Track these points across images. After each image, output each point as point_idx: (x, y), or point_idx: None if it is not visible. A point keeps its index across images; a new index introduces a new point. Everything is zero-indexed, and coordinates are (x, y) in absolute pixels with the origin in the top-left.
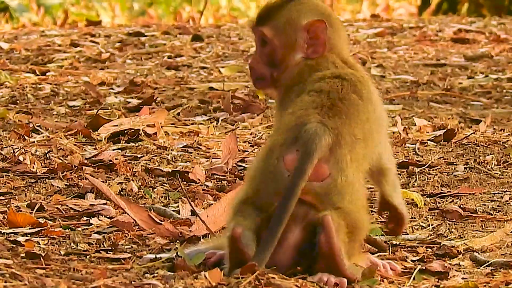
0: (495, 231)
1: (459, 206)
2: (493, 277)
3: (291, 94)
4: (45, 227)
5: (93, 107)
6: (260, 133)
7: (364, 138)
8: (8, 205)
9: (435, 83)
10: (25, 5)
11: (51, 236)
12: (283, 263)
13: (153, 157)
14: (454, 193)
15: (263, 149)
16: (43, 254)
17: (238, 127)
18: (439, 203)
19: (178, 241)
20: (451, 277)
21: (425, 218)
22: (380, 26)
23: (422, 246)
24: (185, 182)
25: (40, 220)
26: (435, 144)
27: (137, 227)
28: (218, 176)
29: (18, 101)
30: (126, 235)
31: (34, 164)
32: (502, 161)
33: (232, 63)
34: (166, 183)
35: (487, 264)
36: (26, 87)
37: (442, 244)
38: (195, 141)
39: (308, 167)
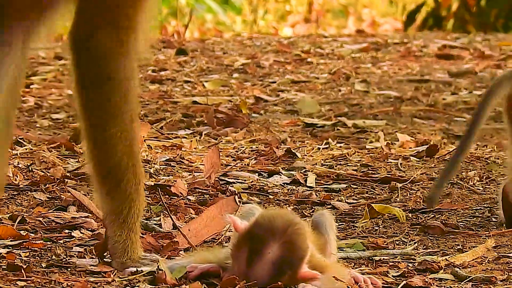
0: (477, 246)
1: (441, 222)
2: None
3: None
4: (27, 239)
5: (76, 120)
6: (243, 147)
7: None
8: None
9: (418, 99)
10: None
11: (33, 248)
12: (263, 278)
13: None
14: (436, 208)
15: None
16: (24, 266)
17: (221, 141)
18: (421, 218)
19: (159, 254)
20: None
21: (406, 234)
22: (365, 42)
23: (403, 261)
24: (167, 196)
25: (21, 232)
26: (418, 159)
27: None
28: (200, 190)
29: None
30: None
31: (17, 176)
32: (484, 177)
33: (216, 77)
34: (148, 197)
35: (468, 279)
36: None
37: (423, 259)
38: (178, 154)
39: None
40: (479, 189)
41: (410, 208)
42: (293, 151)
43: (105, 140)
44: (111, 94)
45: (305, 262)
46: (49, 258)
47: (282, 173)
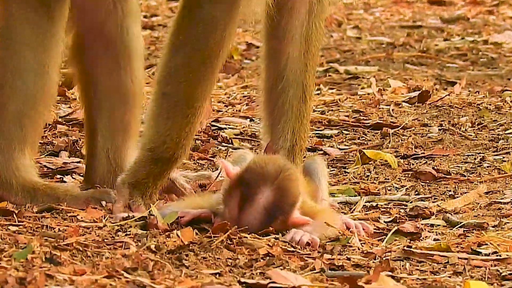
0: (468, 192)
1: (433, 168)
2: (465, 238)
3: None
4: None
5: (68, 66)
6: (235, 93)
7: None
8: None
9: (411, 45)
10: None
11: None
12: (255, 223)
13: None
14: (427, 154)
15: None
16: (16, 211)
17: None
18: (413, 164)
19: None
20: (423, 238)
21: (398, 180)
22: None
23: (395, 207)
24: None
25: None
26: (410, 105)
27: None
28: None
29: None
30: None
31: None
32: (476, 123)
33: None
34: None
35: (459, 225)
36: None
37: (415, 205)
38: None
39: None
40: (471, 135)
41: (402, 154)
42: None
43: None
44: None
45: (296, 208)
46: (41, 203)
47: None
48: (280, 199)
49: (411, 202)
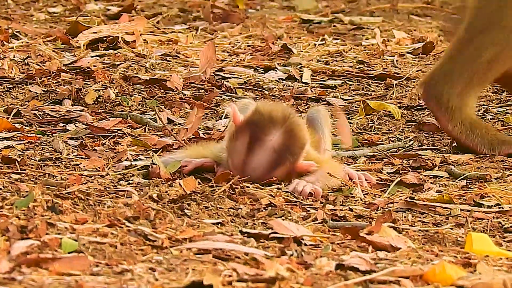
0: None
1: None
2: (468, 190)
3: None
4: (22, 132)
5: (72, 14)
6: (239, 42)
7: None
8: None
9: None
10: None
11: (27, 141)
12: (263, 165)
13: (131, 65)
14: None
15: None
16: (18, 159)
17: (217, 36)
18: (416, 115)
19: (153, 149)
20: (426, 190)
21: (401, 130)
22: None
23: (397, 158)
24: (162, 90)
25: (16, 125)
26: (414, 56)
27: (113, 134)
28: (195, 85)
29: None
30: (103, 142)
31: (12, 69)
32: None
33: None
34: (144, 91)
35: (462, 177)
36: None
37: (418, 156)
38: (174, 49)
39: None
40: None
41: (405, 105)
42: (289, 47)
43: None
44: None
45: (304, 152)
46: (44, 151)
47: (277, 68)
48: (290, 141)
49: (414, 154)
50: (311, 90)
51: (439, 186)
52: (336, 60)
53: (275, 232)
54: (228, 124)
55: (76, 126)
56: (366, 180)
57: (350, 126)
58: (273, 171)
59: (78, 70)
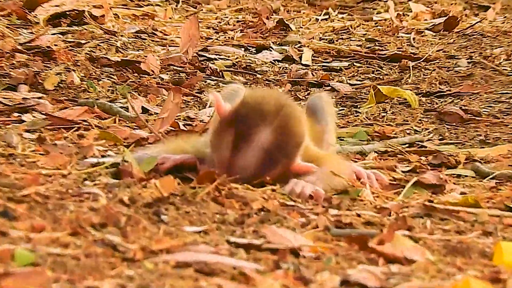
0: (502, 137)
1: (460, 108)
2: (497, 192)
3: None
4: None
5: None
6: (227, 17)
7: None
8: None
9: None
10: None
11: None
12: (251, 168)
13: (100, 44)
14: (454, 92)
15: None
16: None
17: (202, 10)
18: (437, 103)
19: (124, 143)
20: (448, 191)
21: (419, 121)
22: None
23: (414, 154)
24: (136, 74)
25: None
26: (434, 34)
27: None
28: (175, 68)
29: None
30: (65, 135)
31: None
32: None
33: None
34: (114, 75)
35: (491, 176)
36: None
37: (438, 152)
38: (150, 25)
39: None
40: (506, 69)
41: (424, 91)
42: (286, 22)
43: None
44: None
45: (300, 151)
46: None
47: (273, 48)
48: (283, 138)
49: (434, 149)
50: (312, 74)
51: (464, 187)
52: (342, 38)
53: (269, 242)
54: (213, 115)
55: (33, 116)
56: (376, 180)
57: (359, 115)
58: (264, 173)
59: (36, 50)
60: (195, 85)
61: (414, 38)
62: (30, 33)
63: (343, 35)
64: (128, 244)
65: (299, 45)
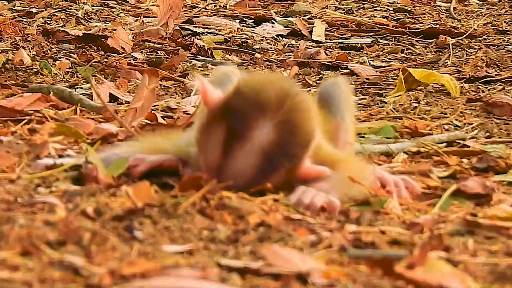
0: None
1: None
2: None
3: None
4: None
5: None
6: None
7: None
8: None
9: None
10: None
11: None
12: (247, 174)
13: (55, 14)
14: (506, 77)
15: None
16: None
17: None
18: (483, 91)
19: (88, 140)
20: (495, 203)
21: (460, 114)
22: None
23: (454, 156)
24: (102, 52)
25: None
26: (481, 2)
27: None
28: (152, 44)
29: None
30: (13, 129)
31: None
32: None
33: None
34: (74, 53)
35: None
36: None
37: (484, 153)
38: None
39: None
40: None
41: (467, 75)
42: None
43: None
44: None
45: (309, 152)
46: None
47: (275, 20)
48: (287, 136)
49: (479, 149)
50: (325, 53)
51: None
52: (364, 8)
53: (269, 265)
54: (199, 105)
55: None
56: (406, 188)
57: (384, 106)
58: (262, 180)
59: None
60: (176, 67)
61: (455, 8)
62: None
63: (365, 3)
64: (93, 267)
65: (308, 16)
